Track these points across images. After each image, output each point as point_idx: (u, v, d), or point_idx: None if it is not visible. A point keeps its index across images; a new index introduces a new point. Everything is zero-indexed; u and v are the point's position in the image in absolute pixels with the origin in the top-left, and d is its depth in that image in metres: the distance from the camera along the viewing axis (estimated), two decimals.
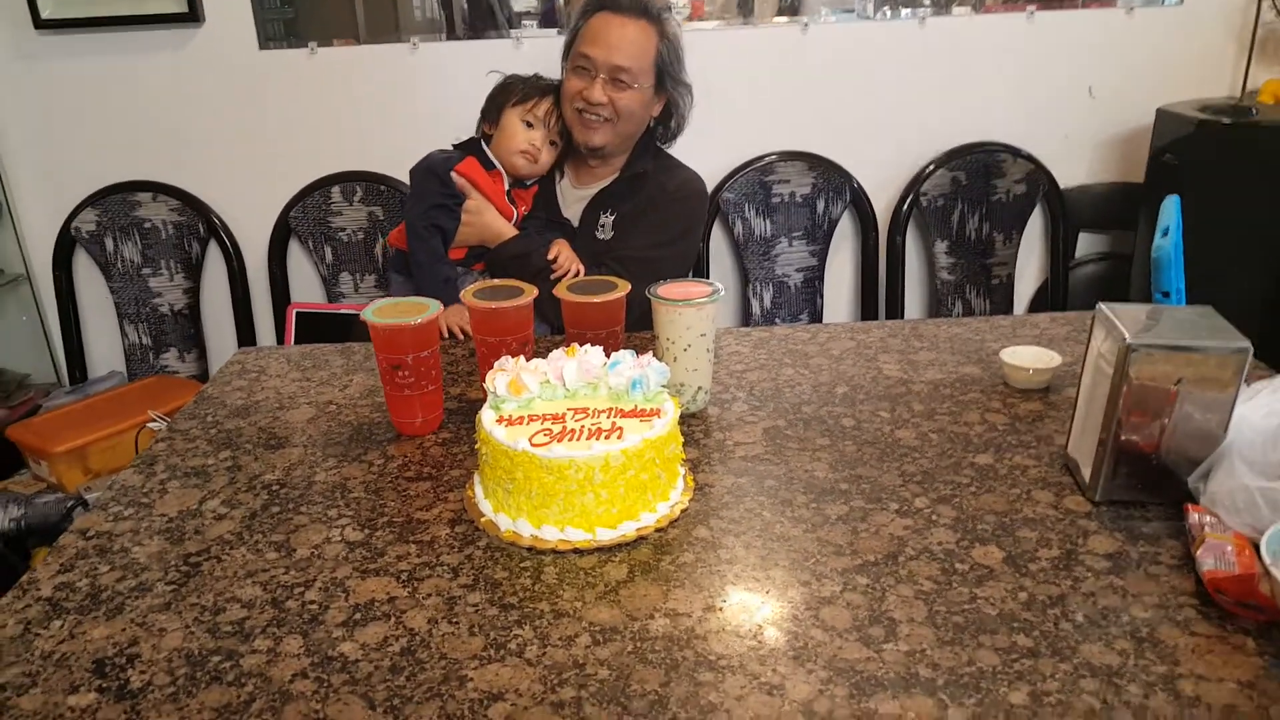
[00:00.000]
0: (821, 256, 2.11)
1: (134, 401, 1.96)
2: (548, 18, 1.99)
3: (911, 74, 2.04)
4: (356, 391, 1.21)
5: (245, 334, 2.16)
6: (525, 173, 1.49)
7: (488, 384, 0.91)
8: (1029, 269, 2.21)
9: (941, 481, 0.91)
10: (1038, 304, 2.22)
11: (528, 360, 1.02)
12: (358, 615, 0.73)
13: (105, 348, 2.21)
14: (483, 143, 1.48)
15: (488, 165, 1.48)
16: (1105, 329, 0.85)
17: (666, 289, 1.06)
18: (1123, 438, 0.84)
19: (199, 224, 2.08)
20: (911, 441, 0.99)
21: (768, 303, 2.12)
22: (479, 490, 0.89)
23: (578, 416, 0.87)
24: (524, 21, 1.99)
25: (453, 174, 1.44)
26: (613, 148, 1.52)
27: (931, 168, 2.08)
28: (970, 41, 2.02)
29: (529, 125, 1.47)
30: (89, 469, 1.83)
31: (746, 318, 2.13)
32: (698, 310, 1.03)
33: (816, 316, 2.14)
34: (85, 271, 2.14)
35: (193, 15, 1.91)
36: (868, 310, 2.16)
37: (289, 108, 2.02)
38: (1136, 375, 0.81)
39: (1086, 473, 0.88)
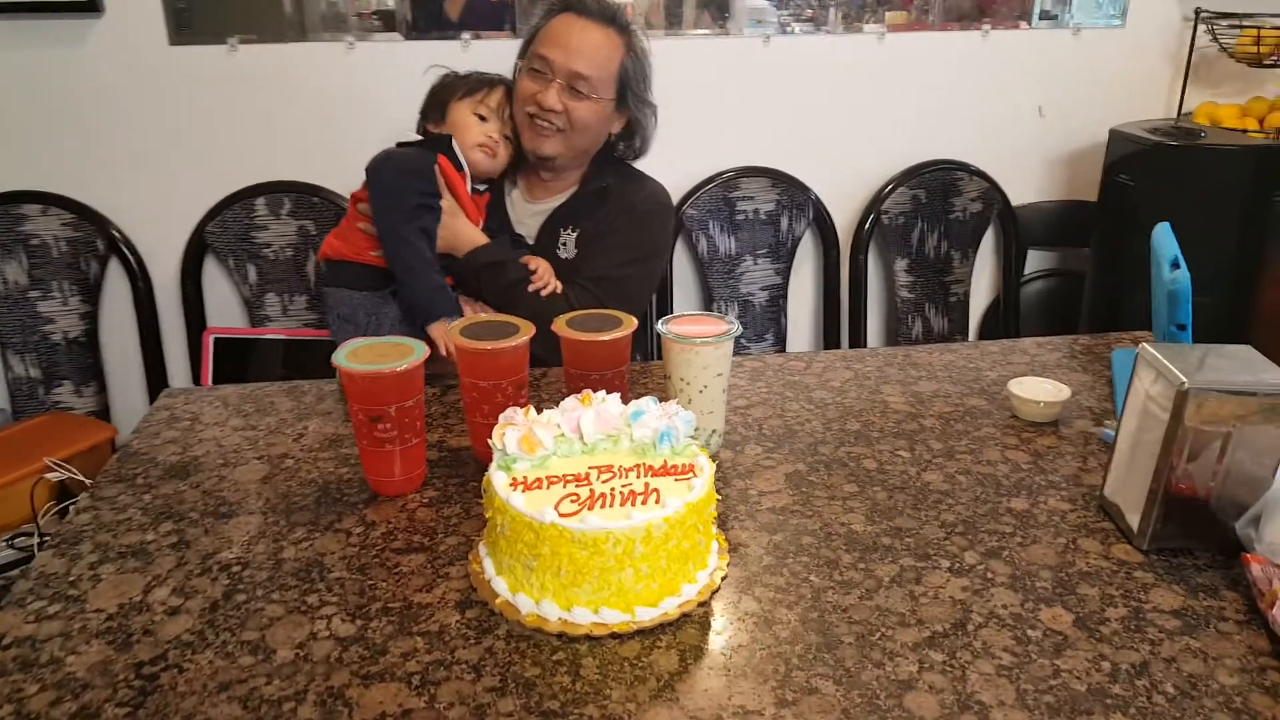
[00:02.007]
0: (785, 274, 2.08)
1: (24, 445, 1.73)
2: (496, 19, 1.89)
3: (871, 89, 2.03)
4: (314, 441, 1.08)
5: (154, 364, 1.95)
6: (484, 169, 1.38)
7: (494, 441, 0.81)
8: (980, 285, 2.24)
9: (985, 532, 0.87)
10: (989, 320, 2.25)
11: (525, 406, 0.93)
12: None
13: None
14: (453, 140, 1.35)
15: (458, 165, 1.35)
16: (1154, 371, 0.82)
17: (678, 324, 0.98)
18: (1175, 485, 0.81)
19: (97, 240, 1.87)
20: (941, 485, 0.95)
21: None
22: (487, 564, 0.79)
23: (604, 476, 0.78)
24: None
25: (435, 170, 1.32)
26: (564, 160, 1.42)
27: (891, 186, 2.07)
28: (928, 58, 2.03)
29: (482, 118, 1.36)
30: None
31: None
32: (715, 349, 0.96)
33: (781, 336, 2.10)
34: None
35: (90, 4, 1.70)
36: (830, 330, 2.14)
37: (205, 111, 1.83)
38: (1193, 419, 0.79)
39: (1133, 520, 0.85)
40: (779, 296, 2.09)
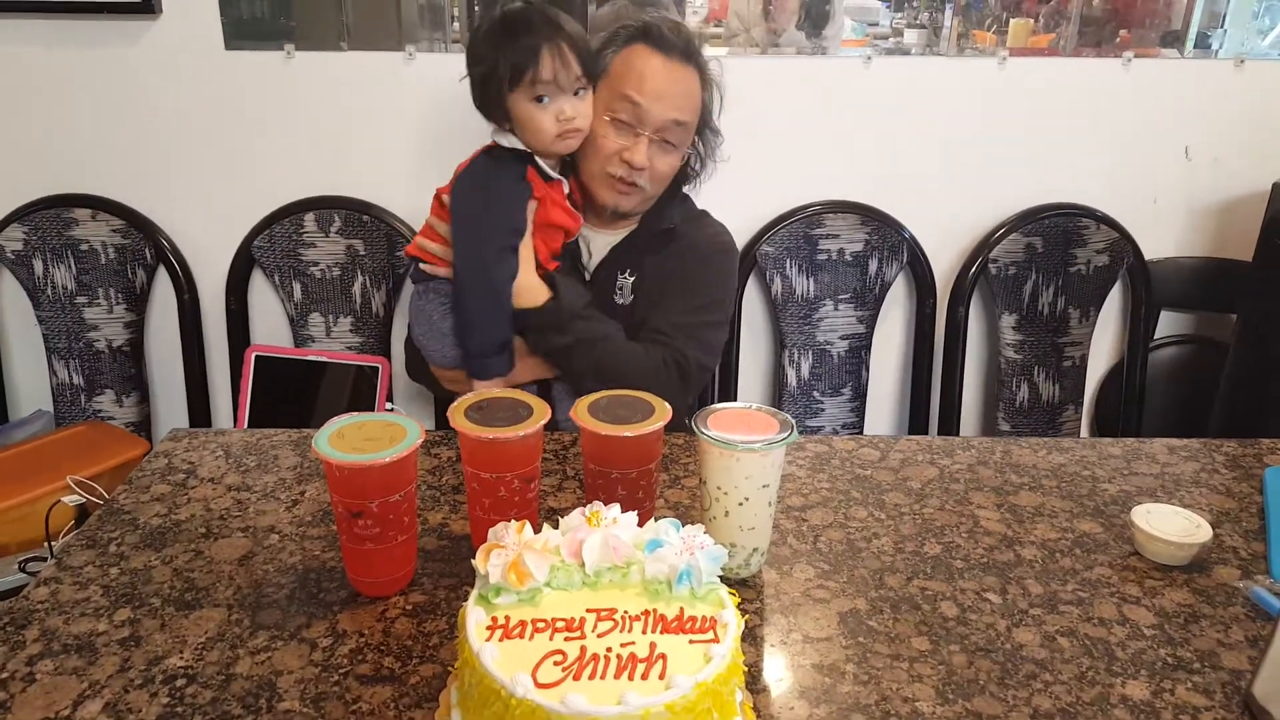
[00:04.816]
0: (870, 323, 1.90)
1: (59, 455, 1.72)
2: None
3: (987, 120, 1.83)
4: (308, 512, 0.99)
5: (195, 377, 1.93)
6: (578, 145, 1.24)
7: (478, 564, 0.69)
8: (1101, 349, 2.00)
9: None
10: (1108, 389, 2.01)
11: (527, 515, 0.81)
12: None
13: (30, 385, 1.98)
14: (536, 157, 1.21)
15: (546, 176, 1.22)
16: None
17: (719, 419, 0.84)
18: None
19: (145, 248, 1.86)
20: (1037, 651, 0.78)
21: (805, 373, 1.91)
22: (456, 719, 0.67)
23: (602, 625, 0.65)
24: None
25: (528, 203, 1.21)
26: (636, 210, 1.35)
27: (1003, 230, 1.87)
28: (1056, 87, 1.82)
29: (542, 100, 1.16)
30: None
31: (780, 389, 1.92)
32: (762, 457, 0.81)
33: (860, 391, 1.92)
34: (10, 296, 1.91)
35: (146, 5, 1.68)
36: (919, 389, 1.94)
37: (258, 119, 1.80)
38: None
39: None
40: (861, 348, 1.91)
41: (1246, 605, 0.84)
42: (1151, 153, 1.87)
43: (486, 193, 1.20)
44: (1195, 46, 1.80)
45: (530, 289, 1.23)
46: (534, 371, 1.29)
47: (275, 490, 1.03)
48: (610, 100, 1.26)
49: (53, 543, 1.48)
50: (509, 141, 1.21)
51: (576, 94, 1.19)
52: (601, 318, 1.28)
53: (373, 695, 0.72)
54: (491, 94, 1.19)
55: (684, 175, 1.39)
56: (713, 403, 1.85)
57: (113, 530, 0.95)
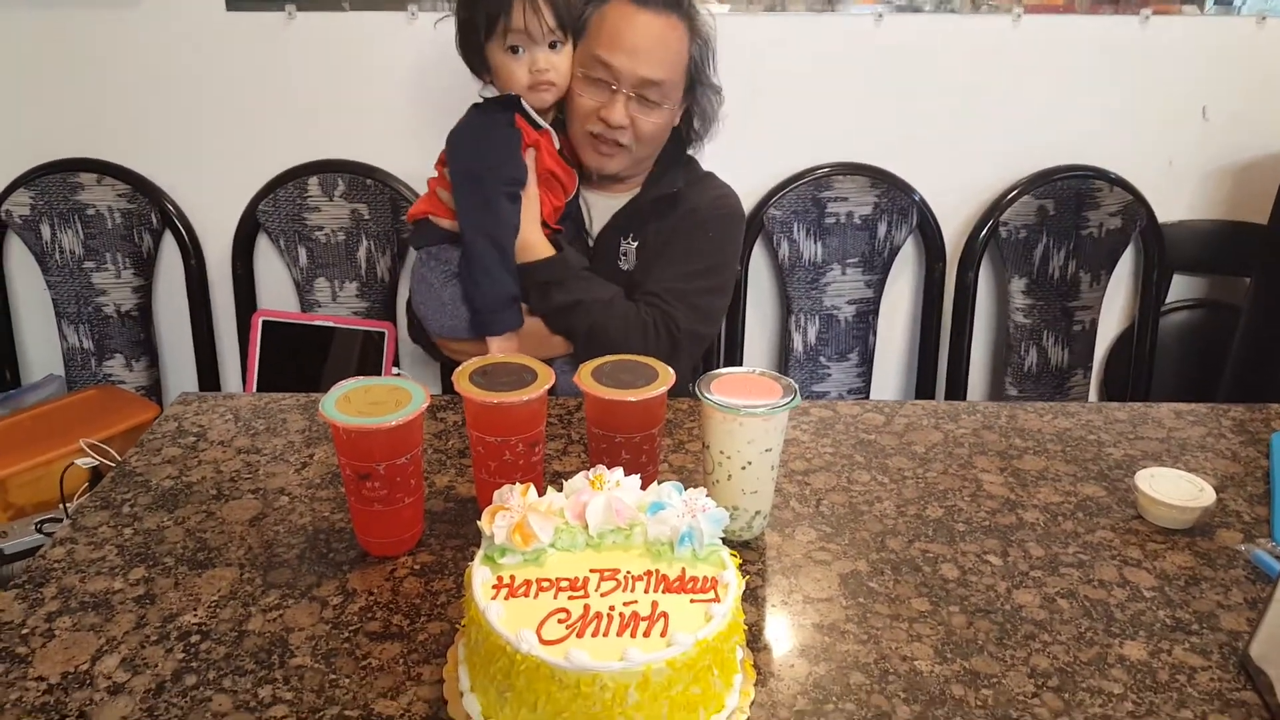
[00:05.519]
0: (878, 288, 1.90)
1: (72, 419, 1.75)
2: None
3: (999, 80, 1.81)
4: (316, 474, 1.01)
5: (204, 342, 1.95)
6: (552, 102, 1.24)
7: (483, 525, 0.71)
8: (1111, 313, 1.99)
9: (1086, 690, 0.71)
10: (1117, 354, 2.01)
11: (532, 477, 0.82)
12: None
13: (42, 350, 2.00)
14: (522, 99, 1.21)
15: (535, 124, 1.23)
16: None
17: (722, 384, 0.85)
18: None
19: (151, 213, 1.86)
20: (1036, 612, 0.79)
21: (812, 338, 1.91)
22: (463, 674, 0.69)
23: (605, 585, 0.67)
24: None
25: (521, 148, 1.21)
26: (627, 173, 1.33)
27: (1014, 193, 1.85)
28: (1071, 46, 1.79)
29: (516, 50, 1.18)
30: (9, 504, 1.63)
31: (786, 354, 1.92)
32: (764, 421, 0.82)
33: (867, 357, 1.93)
34: (19, 261, 1.93)
35: None
36: (926, 354, 1.95)
37: (261, 81, 1.79)
38: None
39: None
40: (869, 313, 1.91)
41: (1247, 568, 0.85)
42: (1168, 113, 1.85)
43: (479, 143, 1.21)
44: (1216, 3, 1.77)
45: (534, 246, 1.24)
46: (535, 353, 1.31)
47: (284, 453, 1.05)
48: (585, 59, 1.24)
49: (67, 504, 1.52)
50: (491, 92, 1.24)
51: (553, 47, 1.20)
52: (602, 281, 1.28)
53: (382, 651, 0.74)
54: (470, 42, 1.22)
55: (685, 138, 1.38)
56: (717, 367, 1.86)
57: (126, 492, 0.97)
